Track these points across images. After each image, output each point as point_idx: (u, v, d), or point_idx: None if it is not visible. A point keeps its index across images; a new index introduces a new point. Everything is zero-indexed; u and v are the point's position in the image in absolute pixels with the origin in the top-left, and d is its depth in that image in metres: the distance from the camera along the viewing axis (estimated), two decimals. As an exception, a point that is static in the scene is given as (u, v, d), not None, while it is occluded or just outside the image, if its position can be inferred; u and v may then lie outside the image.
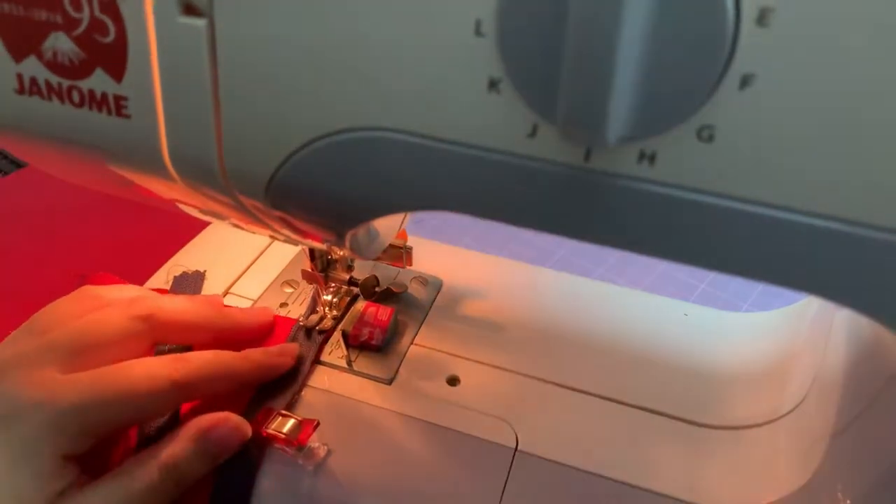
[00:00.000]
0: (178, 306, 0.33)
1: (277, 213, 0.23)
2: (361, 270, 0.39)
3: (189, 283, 0.39)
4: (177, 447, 0.28)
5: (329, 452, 0.31)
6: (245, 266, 0.41)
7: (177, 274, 0.39)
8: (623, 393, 0.34)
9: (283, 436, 0.30)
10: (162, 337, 0.32)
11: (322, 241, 0.27)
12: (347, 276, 0.37)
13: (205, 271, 0.40)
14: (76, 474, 0.27)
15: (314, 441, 0.31)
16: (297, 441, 0.30)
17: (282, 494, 0.30)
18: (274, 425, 0.30)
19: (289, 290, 0.39)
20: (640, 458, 0.31)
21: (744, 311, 0.48)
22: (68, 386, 0.27)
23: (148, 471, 0.27)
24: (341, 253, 0.36)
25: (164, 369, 0.29)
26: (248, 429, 0.30)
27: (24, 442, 0.26)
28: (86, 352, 0.29)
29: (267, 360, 0.33)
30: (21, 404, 0.26)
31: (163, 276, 0.40)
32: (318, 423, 0.31)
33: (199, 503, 0.29)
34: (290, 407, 0.32)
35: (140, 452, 0.28)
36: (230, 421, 0.30)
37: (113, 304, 0.31)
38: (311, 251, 0.35)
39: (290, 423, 0.30)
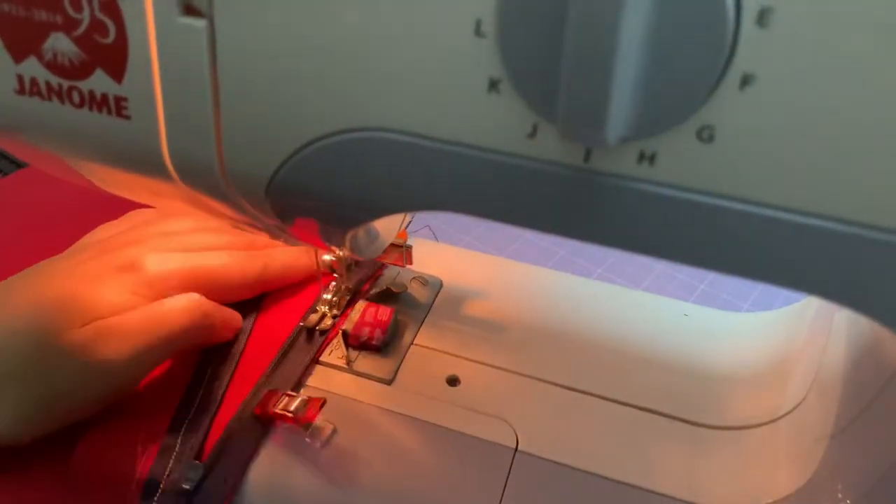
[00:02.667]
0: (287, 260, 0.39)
1: (277, 214, 0.23)
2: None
3: None
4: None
5: (335, 431, 0.31)
6: None
7: None
8: (623, 393, 0.34)
9: (290, 415, 0.30)
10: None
11: (322, 242, 0.27)
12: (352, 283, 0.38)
13: None
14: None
15: (320, 419, 0.31)
16: (304, 418, 0.30)
17: (280, 494, 0.30)
18: (281, 405, 0.31)
19: None
20: (640, 458, 0.31)
21: (744, 311, 0.48)
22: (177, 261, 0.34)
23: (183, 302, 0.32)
24: (341, 253, 0.36)
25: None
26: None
27: (134, 285, 0.32)
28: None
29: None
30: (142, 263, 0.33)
31: None
32: (324, 401, 0.32)
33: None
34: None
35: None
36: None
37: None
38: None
39: (298, 401, 0.31)
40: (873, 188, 0.15)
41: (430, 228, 0.42)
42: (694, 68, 0.15)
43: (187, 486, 0.28)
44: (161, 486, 0.29)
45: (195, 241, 0.36)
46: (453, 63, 0.17)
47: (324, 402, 0.32)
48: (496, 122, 0.17)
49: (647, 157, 0.16)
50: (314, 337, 0.36)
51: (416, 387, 0.34)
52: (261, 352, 0.35)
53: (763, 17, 0.14)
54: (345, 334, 0.35)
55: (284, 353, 0.35)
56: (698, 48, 0.14)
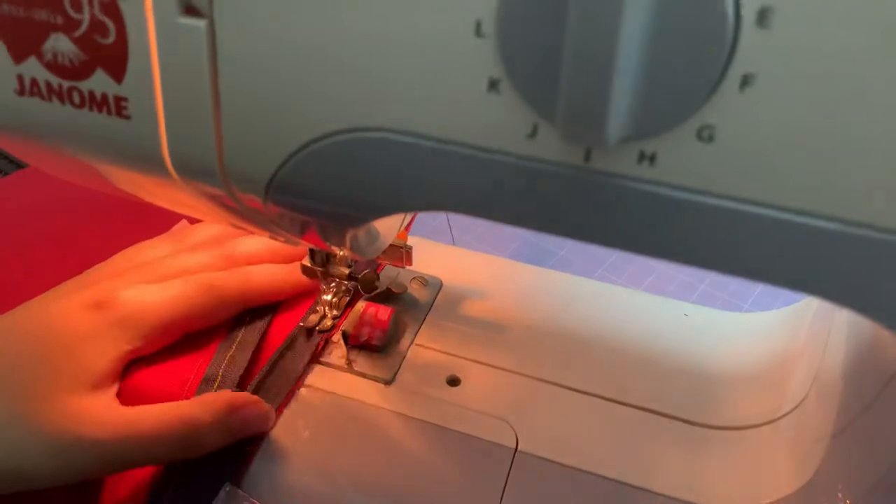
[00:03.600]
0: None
1: (277, 214, 0.23)
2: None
3: None
4: (203, 412, 0.29)
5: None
6: None
7: None
8: (623, 393, 0.34)
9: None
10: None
11: (322, 242, 0.27)
12: (347, 272, 0.37)
13: None
14: (117, 384, 0.31)
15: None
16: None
17: (280, 493, 0.30)
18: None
19: None
20: (640, 458, 0.31)
21: (744, 311, 0.48)
22: (152, 293, 0.33)
23: (169, 421, 0.29)
24: (341, 253, 0.36)
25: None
26: (272, 418, 0.32)
27: (108, 325, 0.31)
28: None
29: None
30: (115, 298, 0.32)
31: None
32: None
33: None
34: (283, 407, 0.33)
35: (172, 402, 0.30)
36: (260, 406, 0.31)
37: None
38: (311, 249, 0.35)
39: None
40: (873, 188, 0.15)
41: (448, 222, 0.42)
42: (694, 68, 0.15)
43: None
44: None
45: (170, 267, 0.35)
46: (453, 63, 0.17)
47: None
48: (496, 123, 0.17)
49: (647, 157, 0.16)
50: (314, 337, 0.36)
51: (416, 387, 0.34)
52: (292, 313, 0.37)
53: (763, 17, 0.14)
54: (345, 334, 0.35)
55: (284, 353, 0.35)
56: (698, 48, 0.14)
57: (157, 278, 0.34)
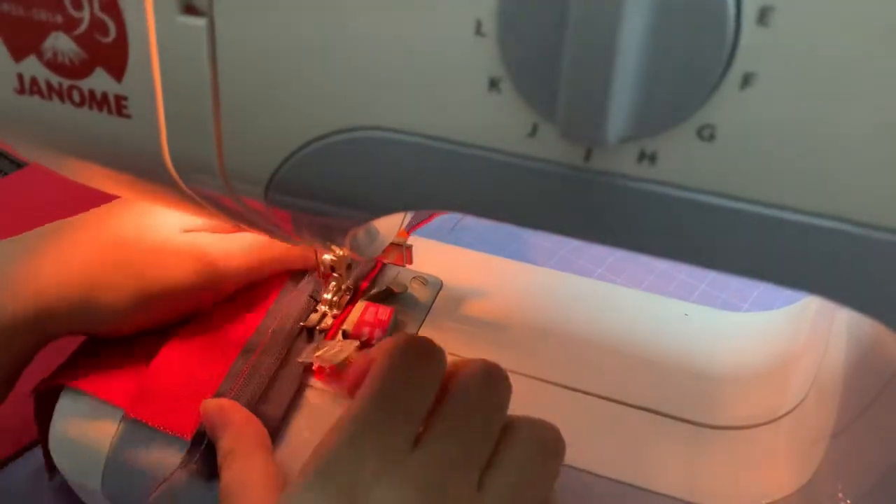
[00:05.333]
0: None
1: (277, 214, 0.23)
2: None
3: None
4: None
5: None
6: None
7: None
8: (623, 393, 0.34)
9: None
10: None
11: (322, 241, 0.27)
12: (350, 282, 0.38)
13: None
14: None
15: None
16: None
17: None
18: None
19: None
20: (640, 458, 0.31)
21: (744, 311, 0.48)
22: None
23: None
24: (341, 252, 0.36)
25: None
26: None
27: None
28: None
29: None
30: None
31: None
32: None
33: None
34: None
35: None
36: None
37: None
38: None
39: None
40: (874, 187, 0.15)
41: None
42: (694, 67, 0.15)
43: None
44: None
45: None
46: (453, 62, 0.17)
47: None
48: (496, 122, 0.17)
49: (648, 157, 0.16)
50: (314, 336, 0.36)
51: (416, 386, 0.34)
52: None
53: (764, 16, 0.14)
54: (345, 334, 0.35)
55: (286, 353, 0.35)
56: (699, 47, 0.14)
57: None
